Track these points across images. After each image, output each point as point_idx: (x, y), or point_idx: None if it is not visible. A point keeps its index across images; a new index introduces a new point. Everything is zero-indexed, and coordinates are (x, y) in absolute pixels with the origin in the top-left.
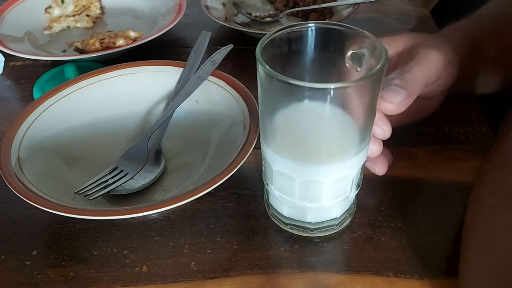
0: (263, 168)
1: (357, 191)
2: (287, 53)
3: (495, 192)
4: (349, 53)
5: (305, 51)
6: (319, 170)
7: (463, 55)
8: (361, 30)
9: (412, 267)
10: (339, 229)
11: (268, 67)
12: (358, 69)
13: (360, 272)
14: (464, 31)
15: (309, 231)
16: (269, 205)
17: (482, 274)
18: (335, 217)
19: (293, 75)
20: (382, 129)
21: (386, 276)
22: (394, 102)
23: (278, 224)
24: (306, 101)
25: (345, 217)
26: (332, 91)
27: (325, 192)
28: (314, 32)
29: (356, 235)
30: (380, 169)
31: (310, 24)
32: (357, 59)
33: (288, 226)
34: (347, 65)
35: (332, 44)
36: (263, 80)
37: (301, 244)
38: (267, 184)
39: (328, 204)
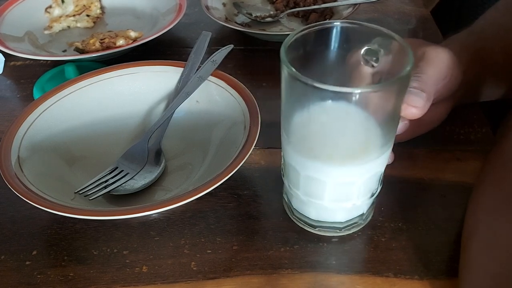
0: (284, 172)
1: (381, 187)
2: (310, 53)
3: (496, 193)
4: (363, 49)
5: (329, 50)
6: (350, 171)
7: (464, 63)
8: (385, 29)
9: (413, 268)
10: (365, 224)
11: (293, 69)
12: (375, 65)
13: (361, 272)
14: (463, 42)
15: (337, 230)
16: (292, 209)
17: (482, 275)
18: (362, 213)
19: (319, 74)
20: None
21: (387, 276)
22: (418, 106)
23: (305, 227)
24: (333, 102)
25: (369, 211)
26: (359, 95)
27: (355, 192)
28: (337, 31)
29: (356, 235)
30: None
31: (335, 23)
32: (373, 55)
33: (317, 229)
34: (361, 62)
35: (357, 43)
36: (288, 82)
37: (301, 245)
38: (291, 188)
39: (358, 202)
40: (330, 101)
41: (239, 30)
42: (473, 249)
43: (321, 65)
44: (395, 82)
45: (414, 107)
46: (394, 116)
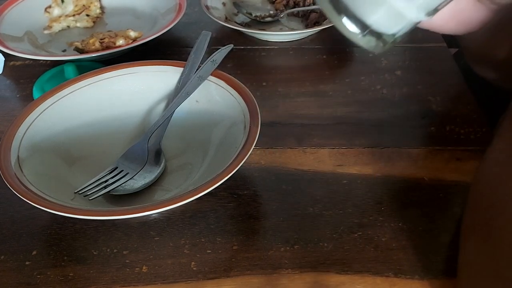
0: None
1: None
2: None
3: (493, 192)
4: None
5: None
6: None
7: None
8: None
9: (413, 268)
10: (383, 50)
11: None
12: None
13: (361, 272)
14: None
15: (358, 33)
16: None
17: (481, 275)
18: (394, 32)
19: None
20: None
21: (387, 276)
22: None
23: (329, 9)
24: None
25: (396, 39)
26: None
27: None
28: None
29: (356, 235)
30: None
31: None
32: None
33: (342, 16)
34: None
35: None
36: None
37: (301, 244)
38: None
39: (418, 14)
40: None
41: (239, 30)
42: (471, 248)
43: None
44: None
45: None
46: None
